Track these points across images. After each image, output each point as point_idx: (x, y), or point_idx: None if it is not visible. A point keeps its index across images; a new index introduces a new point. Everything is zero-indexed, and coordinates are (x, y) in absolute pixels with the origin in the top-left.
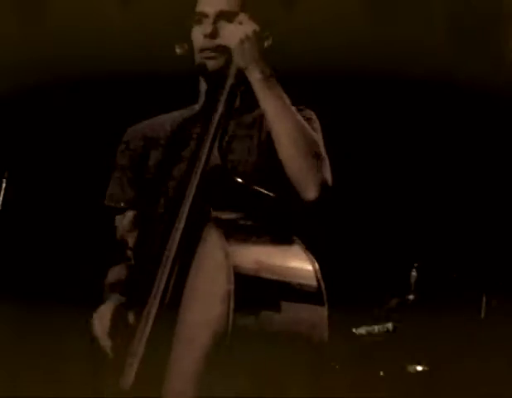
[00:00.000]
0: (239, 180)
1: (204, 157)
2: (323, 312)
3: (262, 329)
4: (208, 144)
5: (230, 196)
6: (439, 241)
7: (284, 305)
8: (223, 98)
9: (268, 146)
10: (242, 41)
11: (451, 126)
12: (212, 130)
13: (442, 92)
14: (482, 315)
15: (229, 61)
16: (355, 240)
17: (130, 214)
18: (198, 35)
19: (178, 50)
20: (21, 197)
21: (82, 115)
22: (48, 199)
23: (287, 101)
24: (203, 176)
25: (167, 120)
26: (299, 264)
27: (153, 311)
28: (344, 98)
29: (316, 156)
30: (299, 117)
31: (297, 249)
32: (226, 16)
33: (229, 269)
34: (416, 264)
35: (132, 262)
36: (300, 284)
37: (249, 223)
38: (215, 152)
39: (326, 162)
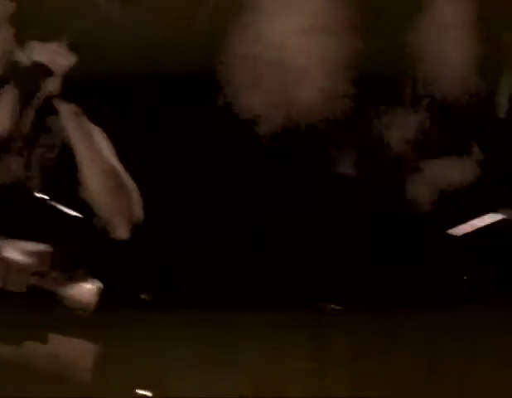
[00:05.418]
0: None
1: None
2: (91, 347)
3: (24, 363)
4: None
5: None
6: None
7: (50, 337)
8: None
9: None
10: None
11: None
12: None
13: None
14: None
15: None
16: None
17: None
18: None
19: None
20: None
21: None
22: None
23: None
24: None
25: None
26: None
27: None
28: None
29: (124, 191)
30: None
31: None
32: None
33: None
34: None
35: None
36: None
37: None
38: None
39: (136, 196)
